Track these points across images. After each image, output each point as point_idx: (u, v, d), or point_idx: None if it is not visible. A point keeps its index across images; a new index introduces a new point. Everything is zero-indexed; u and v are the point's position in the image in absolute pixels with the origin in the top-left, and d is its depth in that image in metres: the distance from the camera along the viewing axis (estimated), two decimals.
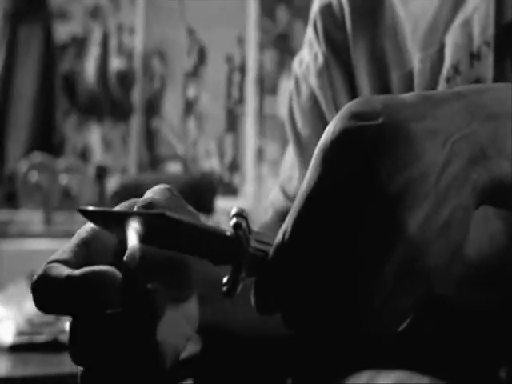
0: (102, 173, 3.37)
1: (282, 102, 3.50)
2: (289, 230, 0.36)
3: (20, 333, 1.20)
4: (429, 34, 0.62)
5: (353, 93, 0.69)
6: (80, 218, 0.40)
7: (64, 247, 0.41)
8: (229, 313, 0.54)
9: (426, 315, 0.49)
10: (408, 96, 0.37)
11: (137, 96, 3.71)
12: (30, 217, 2.80)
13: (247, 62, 3.71)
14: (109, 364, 0.39)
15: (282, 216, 0.72)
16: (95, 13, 3.72)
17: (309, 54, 0.74)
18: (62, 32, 3.65)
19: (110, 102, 3.67)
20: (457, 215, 0.34)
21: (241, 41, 3.72)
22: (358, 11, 0.69)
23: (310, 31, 0.75)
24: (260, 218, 0.76)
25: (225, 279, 0.37)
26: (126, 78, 3.70)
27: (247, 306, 0.38)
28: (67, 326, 0.39)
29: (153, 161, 3.69)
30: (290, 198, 0.73)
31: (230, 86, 3.73)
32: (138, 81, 3.71)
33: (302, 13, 3.51)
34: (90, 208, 0.39)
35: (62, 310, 0.38)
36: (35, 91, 3.36)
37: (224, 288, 0.37)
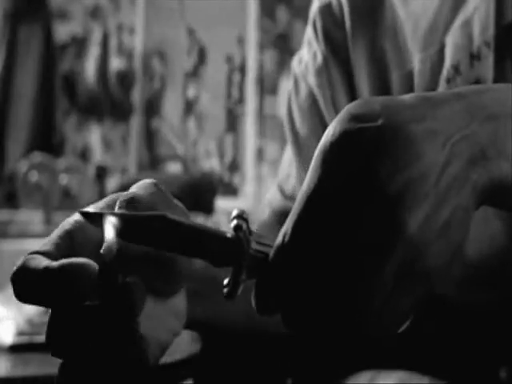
0: (101, 173, 3.37)
1: (282, 102, 3.50)
2: (289, 231, 0.36)
3: (20, 333, 1.20)
4: (429, 34, 0.62)
5: (352, 92, 0.69)
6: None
7: (47, 239, 0.41)
8: (219, 309, 0.54)
9: (426, 315, 0.49)
10: (408, 97, 0.37)
11: (137, 96, 3.71)
12: (30, 217, 2.80)
13: (247, 62, 3.71)
14: (86, 356, 0.39)
15: (279, 215, 0.72)
16: (95, 13, 3.72)
17: (308, 53, 0.74)
18: (62, 32, 3.65)
19: (110, 102, 3.67)
20: (457, 216, 0.34)
21: (241, 41, 3.72)
22: (358, 11, 0.69)
23: (309, 30, 0.75)
24: (259, 218, 0.76)
25: (225, 281, 0.37)
26: (125, 78, 3.70)
27: (237, 302, 0.38)
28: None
29: (153, 161, 3.69)
30: (288, 197, 0.73)
31: (230, 86, 3.73)
32: (138, 81, 3.71)
33: (301, 13, 3.51)
34: (91, 210, 0.39)
35: (40, 301, 0.38)
36: (35, 91, 3.37)
37: (225, 290, 0.37)
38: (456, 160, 0.34)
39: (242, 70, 3.72)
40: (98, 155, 3.65)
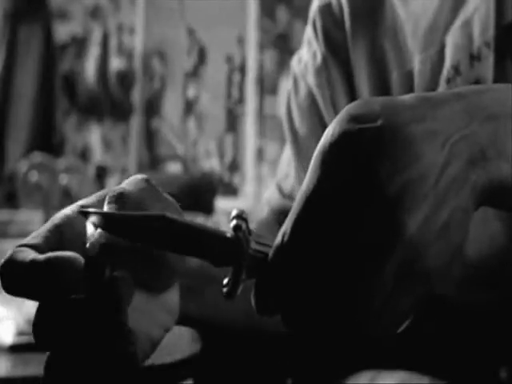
0: (101, 173, 3.37)
1: (282, 102, 3.50)
2: (288, 231, 0.36)
3: (20, 333, 1.20)
4: (429, 35, 0.62)
5: (352, 93, 0.69)
6: None
7: (36, 232, 0.41)
8: (215, 306, 0.54)
9: (426, 315, 0.49)
10: (407, 97, 0.37)
11: (137, 96, 3.71)
12: (30, 217, 2.80)
13: (247, 62, 3.71)
14: (72, 350, 0.39)
15: (277, 213, 0.72)
16: (95, 13, 3.72)
17: (307, 52, 0.74)
18: (62, 32, 3.65)
19: (110, 102, 3.67)
20: (456, 216, 0.34)
21: (241, 41, 3.72)
22: (358, 11, 0.69)
23: (309, 30, 0.75)
24: (257, 216, 0.76)
25: (225, 281, 0.37)
26: (126, 78, 3.70)
27: (236, 301, 0.38)
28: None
29: (153, 161, 3.69)
30: (286, 196, 0.73)
31: (230, 86, 3.73)
32: (138, 81, 3.71)
33: (301, 13, 3.51)
34: (91, 210, 0.39)
35: (26, 293, 0.38)
36: (35, 91, 3.37)
37: (224, 289, 0.37)
38: (455, 160, 0.34)
39: (242, 69, 3.72)
40: (98, 155, 3.65)
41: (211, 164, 3.70)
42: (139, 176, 0.44)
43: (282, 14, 3.71)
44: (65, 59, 3.65)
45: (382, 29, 0.67)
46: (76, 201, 0.43)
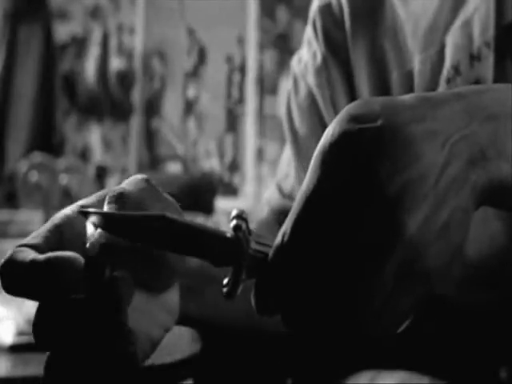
0: (102, 173, 3.37)
1: (282, 102, 3.50)
2: (288, 231, 0.36)
3: (20, 333, 1.20)
4: (429, 34, 0.62)
5: (352, 93, 0.69)
6: None
7: (36, 232, 0.41)
8: (215, 306, 0.54)
9: (426, 315, 0.49)
10: (407, 97, 0.37)
11: (137, 96, 3.71)
12: (30, 217, 2.80)
13: (247, 62, 3.71)
14: (72, 349, 0.39)
15: (277, 213, 0.72)
16: (95, 13, 3.72)
17: (307, 52, 0.74)
18: (62, 32, 3.65)
19: (110, 102, 3.67)
20: (456, 216, 0.34)
21: (241, 41, 3.72)
22: (358, 11, 0.69)
23: (309, 30, 0.75)
24: (257, 216, 0.76)
25: (225, 281, 0.37)
26: (126, 78, 3.70)
27: (236, 301, 0.38)
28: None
29: (153, 161, 3.69)
30: (286, 196, 0.73)
31: (230, 86, 3.73)
32: (138, 81, 3.71)
33: (301, 13, 3.51)
34: (91, 210, 0.39)
35: (26, 293, 0.38)
36: (35, 91, 3.37)
37: (224, 289, 0.37)
38: (455, 160, 0.34)
39: (242, 70, 3.72)
40: (98, 155, 3.65)
41: (211, 164, 3.70)
42: (139, 176, 0.44)
43: (282, 13, 3.71)
44: (65, 59, 3.65)
45: (382, 29, 0.67)
46: (76, 201, 0.43)
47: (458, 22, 0.59)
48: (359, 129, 0.35)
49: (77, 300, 0.38)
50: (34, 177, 2.66)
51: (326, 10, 0.72)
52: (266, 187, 3.51)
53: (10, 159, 3.29)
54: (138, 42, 3.75)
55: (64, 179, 2.66)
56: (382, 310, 0.34)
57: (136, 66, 3.72)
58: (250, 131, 3.68)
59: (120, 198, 0.41)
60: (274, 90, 3.68)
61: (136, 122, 3.70)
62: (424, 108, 0.35)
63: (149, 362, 0.46)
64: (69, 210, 0.42)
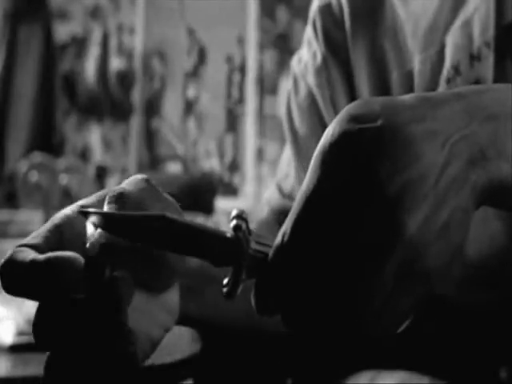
0: (102, 173, 3.37)
1: (282, 102, 3.50)
2: (288, 231, 0.36)
3: (20, 333, 1.20)
4: (429, 35, 0.62)
5: (352, 93, 0.69)
6: None
7: (36, 232, 0.41)
8: (215, 306, 0.54)
9: (426, 315, 0.49)
10: (408, 97, 0.37)
11: (137, 96, 3.71)
12: (30, 217, 2.80)
13: (247, 62, 3.71)
14: (72, 350, 0.39)
15: (277, 213, 0.72)
16: (95, 13, 3.72)
17: (307, 52, 0.74)
18: (62, 32, 3.65)
19: (110, 102, 3.67)
20: (456, 216, 0.34)
21: (241, 41, 3.72)
22: (358, 11, 0.69)
23: (309, 30, 0.75)
24: (257, 216, 0.76)
25: (225, 281, 0.37)
26: (126, 78, 3.70)
27: (236, 300, 0.38)
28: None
29: (153, 161, 3.69)
30: (286, 196, 0.73)
31: (230, 86, 3.73)
32: (138, 81, 3.71)
33: (301, 13, 3.51)
34: (91, 210, 0.39)
35: (26, 293, 0.38)
36: (35, 91, 3.37)
37: (224, 289, 0.37)
38: (455, 161, 0.34)
39: (242, 70, 3.72)
40: (98, 155, 3.66)
41: (211, 164, 3.70)
42: (139, 176, 0.44)
43: (282, 13, 3.71)
44: (65, 59, 3.66)
45: (382, 29, 0.67)
46: (76, 201, 0.43)
47: (458, 22, 0.59)
48: (359, 129, 0.35)
49: (77, 300, 0.38)
50: (34, 177, 2.66)
51: (326, 10, 0.72)
52: (266, 187, 3.51)
53: (10, 159, 3.29)
54: (138, 42, 3.75)
55: (64, 179, 2.66)
56: (382, 310, 0.34)
57: (136, 66, 3.72)
58: (250, 131, 3.68)
59: (120, 198, 0.41)
60: (274, 90, 3.68)
61: (136, 122, 3.70)
62: (424, 108, 0.35)
63: (149, 361, 0.46)
64: (69, 209, 0.42)
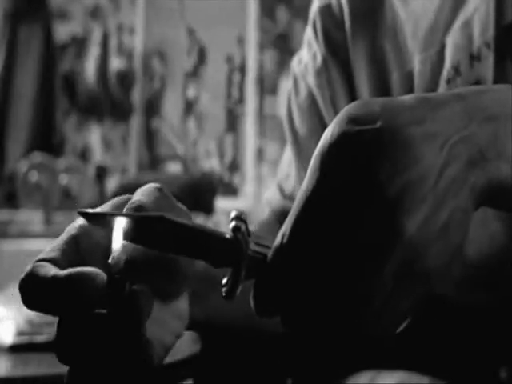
0: (101, 173, 3.37)
1: (282, 102, 3.49)
2: (287, 232, 0.36)
3: (20, 333, 1.20)
4: (429, 35, 0.62)
5: (352, 93, 0.69)
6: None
7: (53, 244, 0.41)
8: (217, 308, 0.54)
9: (426, 315, 0.49)
10: (407, 98, 0.36)
11: (137, 96, 3.71)
12: (30, 217, 2.80)
13: (247, 62, 3.71)
14: (93, 364, 0.39)
15: (278, 214, 0.72)
16: (95, 13, 3.72)
17: (308, 53, 0.74)
18: (62, 32, 3.65)
19: (110, 102, 3.67)
20: (455, 217, 0.34)
21: (241, 41, 3.72)
22: (358, 12, 0.69)
23: (309, 31, 0.75)
24: (258, 217, 0.76)
25: (224, 281, 0.37)
26: (126, 78, 3.70)
27: (236, 301, 0.38)
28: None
29: (153, 161, 3.69)
30: (287, 197, 0.73)
31: (230, 86, 3.73)
32: (138, 81, 3.71)
33: (301, 13, 3.51)
34: (90, 210, 0.39)
35: (48, 309, 0.39)
36: (35, 91, 3.37)
37: (223, 290, 0.37)
38: (454, 162, 0.34)
39: (242, 70, 3.72)
40: (98, 155, 3.66)
41: (211, 164, 3.70)
42: (152, 185, 0.44)
43: (282, 14, 3.71)
44: (65, 59, 3.66)
45: (382, 29, 0.67)
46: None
47: (458, 23, 0.59)
48: (358, 130, 0.35)
49: (97, 314, 0.39)
50: (34, 177, 2.66)
51: (326, 11, 0.72)
52: (266, 187, 3.51)
53: (10, 159, 3.29)
54: (138, 42, 3.75)
55: (64, 179, 2.66)
56: (381, 310, 0.34)
57: (136, 66, 3.72)
58: (250, 131, 3.68)
59: (139, 211, 0.41)
60: (274, 90, 3.68)
61: (136, 122, 3.70)
62: (424, 109, 0.35)
63: None
64: (83, 219, 0.42)
